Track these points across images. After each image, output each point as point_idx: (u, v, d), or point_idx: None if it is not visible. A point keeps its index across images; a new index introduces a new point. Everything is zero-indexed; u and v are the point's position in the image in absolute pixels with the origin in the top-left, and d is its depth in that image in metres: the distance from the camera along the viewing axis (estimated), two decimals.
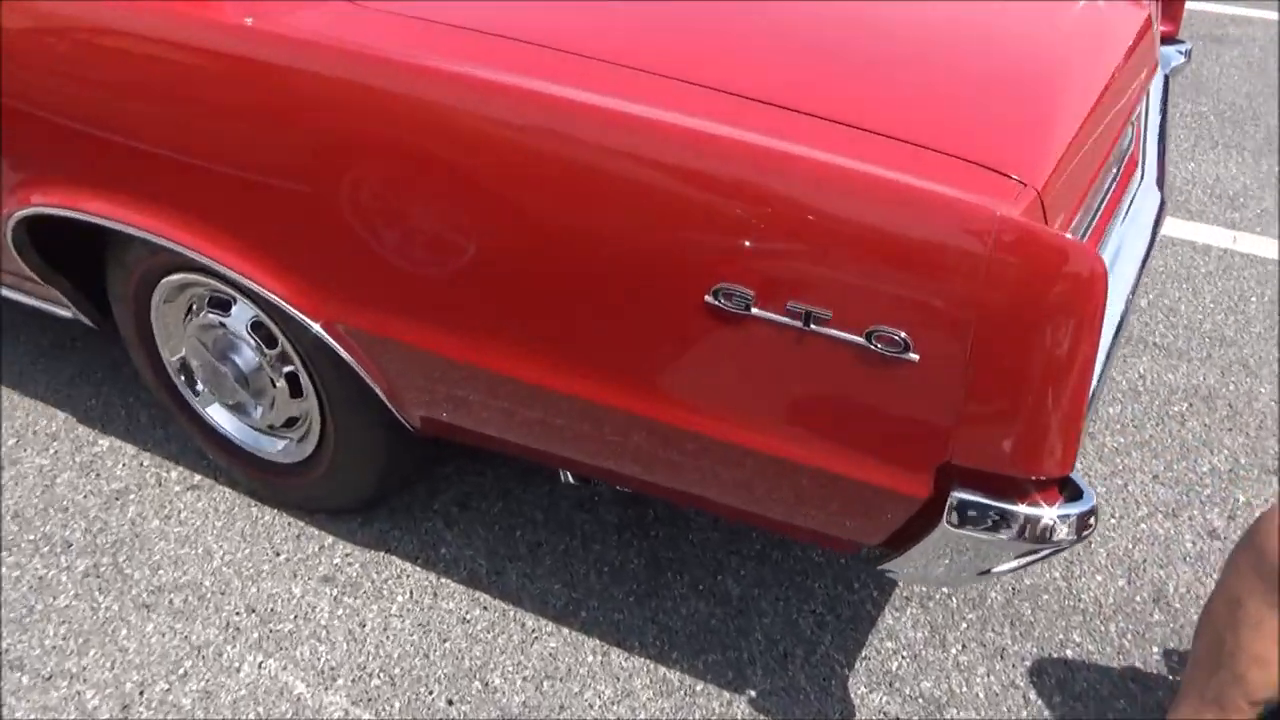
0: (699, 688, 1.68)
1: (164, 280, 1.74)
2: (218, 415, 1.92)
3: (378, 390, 1.56)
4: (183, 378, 1.90)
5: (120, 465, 2.08)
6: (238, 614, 1.79)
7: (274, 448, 1.88)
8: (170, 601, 1.81)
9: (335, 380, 1.65)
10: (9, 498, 2.00)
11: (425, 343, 1.44)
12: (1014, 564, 1.27)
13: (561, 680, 1.69)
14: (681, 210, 1.19)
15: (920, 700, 1.67)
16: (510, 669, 1.70)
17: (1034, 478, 1.20)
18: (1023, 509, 1.20)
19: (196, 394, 1.91)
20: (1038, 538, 1.21)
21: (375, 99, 1.30)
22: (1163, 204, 1.92)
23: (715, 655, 1.73)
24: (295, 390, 1.77)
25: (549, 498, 2.02)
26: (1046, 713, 1.65)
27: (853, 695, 1.68)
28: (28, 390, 2.27)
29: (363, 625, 1.77)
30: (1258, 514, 1.51)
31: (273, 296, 1.50)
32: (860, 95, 1.30)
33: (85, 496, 2.01)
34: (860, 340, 1.15)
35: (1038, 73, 1.45)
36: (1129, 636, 1.78)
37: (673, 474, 1.44)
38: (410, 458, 1.85)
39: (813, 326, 1.17)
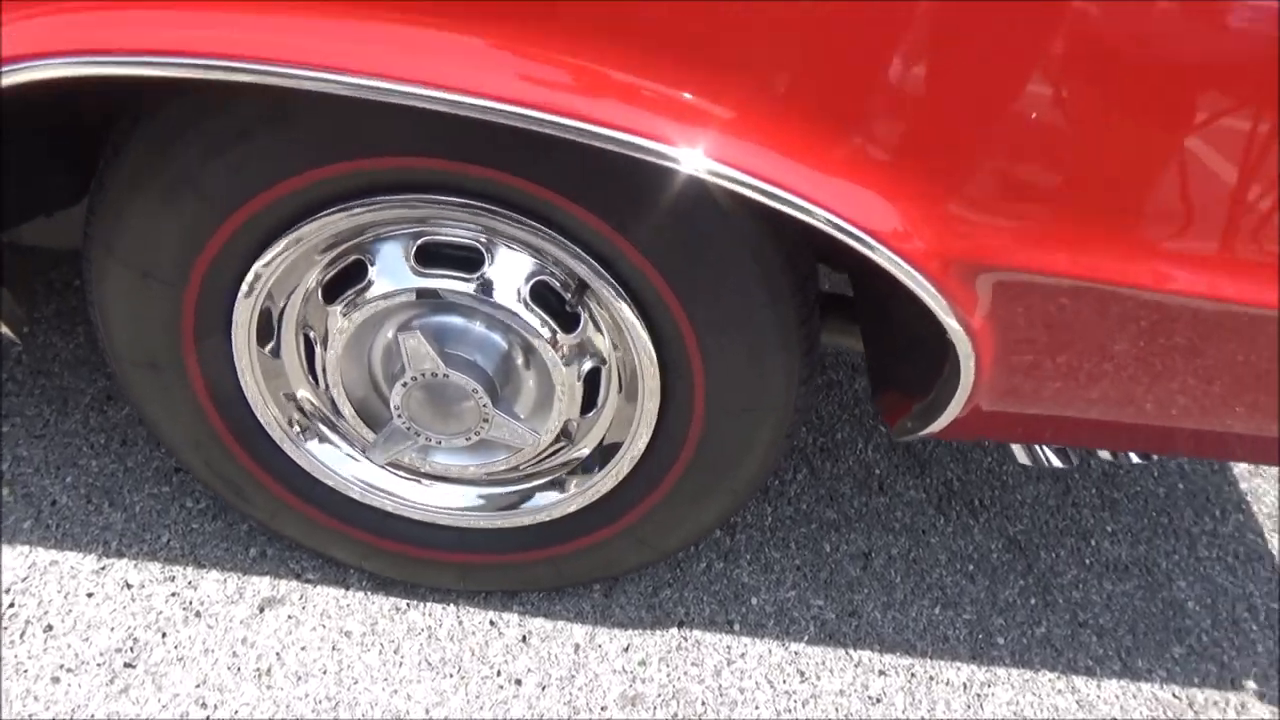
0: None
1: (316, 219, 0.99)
2: (445, 458, 1.22)
3: (970, 367, 0.94)
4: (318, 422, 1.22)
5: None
6: None
7: (539, 502, 1.25)
8: None
9: (744, 366, 1.05)
10: None
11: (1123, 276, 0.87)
12: None
13: None
14: None
15: None
16: None
17: None
18: None
19: (374, 442, 1.19)
20: None
21: None
22: None
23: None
24: (588, 401, 1.14)
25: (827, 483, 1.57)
26: None
27: None
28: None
29: None
30: None
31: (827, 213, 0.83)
32: None
33: None
34: None
35: None
36: None
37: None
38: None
39: None
